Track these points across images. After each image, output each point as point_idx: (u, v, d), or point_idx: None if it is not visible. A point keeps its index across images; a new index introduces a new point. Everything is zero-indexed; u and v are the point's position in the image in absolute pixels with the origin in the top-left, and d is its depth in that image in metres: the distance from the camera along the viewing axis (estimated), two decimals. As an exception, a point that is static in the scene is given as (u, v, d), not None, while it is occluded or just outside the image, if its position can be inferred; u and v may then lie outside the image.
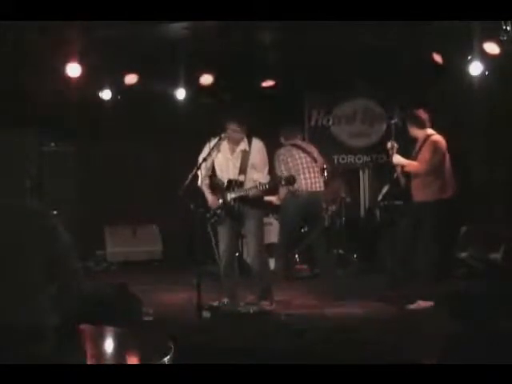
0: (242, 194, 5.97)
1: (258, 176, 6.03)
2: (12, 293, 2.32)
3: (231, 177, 6.06)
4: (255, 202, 6.02)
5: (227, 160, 6.11)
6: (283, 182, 5.86)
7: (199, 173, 6.10)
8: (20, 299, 2.33)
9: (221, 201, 6.04)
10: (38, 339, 2.26)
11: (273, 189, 6.30)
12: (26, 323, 2.30)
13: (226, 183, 6.07)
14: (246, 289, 6.33)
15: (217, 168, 6.18)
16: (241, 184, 6.02)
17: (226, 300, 6.04)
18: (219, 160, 6.14)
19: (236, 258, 6.45)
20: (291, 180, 5.84)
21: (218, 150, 6.11)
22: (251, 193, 5.92)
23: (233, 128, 6.01)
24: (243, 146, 6.08)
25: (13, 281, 2.33)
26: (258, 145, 6.14)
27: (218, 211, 6.04)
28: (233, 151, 6.09)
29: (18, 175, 2.54)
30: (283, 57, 8.11)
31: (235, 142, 6.07)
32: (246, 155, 6.06)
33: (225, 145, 6.10)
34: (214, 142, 6.11)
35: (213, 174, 6.20)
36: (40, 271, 2.37)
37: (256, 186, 5.90)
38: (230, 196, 6.01)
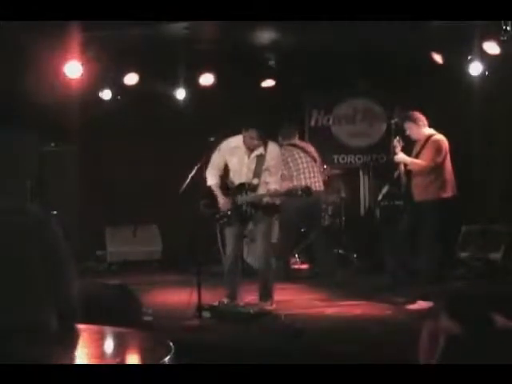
0: (255, 199, 5.98)
1: (271, 179, 6.03)
2: (9, 293, 2.31)
3: (245, 180, 6.06)
4: (267, 207, 6.03)
5: (242, 164, 6.10)
6: (299, 193, 5.84)
7: (210, 172, 6.12)
8: (17, 300, 2.32)
9: (232, 203, 6.04)
10: (36, 339, 2.26)
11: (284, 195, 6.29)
12: (24, 323, 2.30)
13: (238, 186, 6.08)
14: (247, 289, 6.34)
15: (231, 170, 6.19)
16: (254, 188, 6.02)
17: (225, 300, 6.05)
18: (234, 163, 6.14)
19: (239, 258, 6.46)
20: (308, 191, 5.83)
21: (233, 153, 6.12)
22: (264, 199, 5.93)
23: (250, 135, 6.01)
24: (259, 150, 6.08)
25: (10, 281, 2.33)
26: (273, 149, 6.14)
27: (229, 213, 6.03)
28: (249, 156, 6.09)
29: (18, 175, 2.54)
30: (283, 57, 8.12)
31: (251, 148, 6.07)
32: (261, 159, 6.06)
33: (241, 148, 6.09)
34: (229, 142, 6.15)
35: (225, 175, 6.21)
36: (37, 272, 2.37)
37: (269, 193, 5.91)
38: (242, 199, 6.01)
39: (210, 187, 6.15)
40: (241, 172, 6.10)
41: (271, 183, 6.01)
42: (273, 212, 6.18)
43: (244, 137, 6.06)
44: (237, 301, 6.12)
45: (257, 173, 6.04)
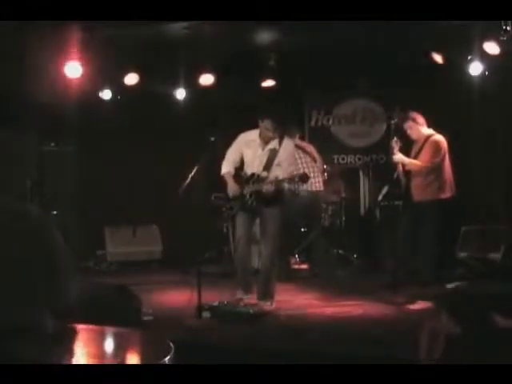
0: (258, 188, 6.03)
1: (280, 174, 6.06)
2: (6, 293, 2.31)
3: (255, 172, 6.13)
4: (271, 200, 6.06)
5: (255, 156, 6.19)
6: (297, 179, 5.90)
7: (225, 163, 6.23)
8: (15, 300, 2.32)
9: (239, 193, 6.11)
10: (34, 340, 2.26)
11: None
12: (21, 324, 2.30)
13: (247, 177, 6.16)
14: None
15: (245, 162, 6.27)
16: (262, 180, 6.08)
17: (240, 294, 6.11)
18: (248, 155, 6.24)
19: (250, 251, 6.48)
20: (304, 178, 5.89)
21: (249, 146, 6.21)
22: (265, 188, 5.96)
23: (266, 126, 6.09)
24: (273, 144, 6.16)
25: (8, 282, 2.33)
26: (287, 145, 6.23)
27: (233, 203, 6.11)
28: (263, 148, 6.18)
29: (18, 175, 2.54)
30: (283, 57, 8.11)
31: (266, 140, 6.16)
32: (273, 153, 6.13)
33: (256, 141, 6.19)
34: (246, 135, 6.26)
35: (240, 167, 6.28)
36: (36, 273, 2.37)
37: (271, 182, 5.95)
38: (247, 190, 6.07)
39: (223, 177, 6.25)
40: (253, 164, 6.19)
41: (279, 177, 6.04)
42: (278, 206, 6.18)
43: (260, 128, 6.16)
44: (251, 294, 6.16)
45: (267, 166, 6.11)
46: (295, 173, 6.13)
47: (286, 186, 6.10)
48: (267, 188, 5.98)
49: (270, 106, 6.98)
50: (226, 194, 6.27)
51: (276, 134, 6.14)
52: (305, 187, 7.55)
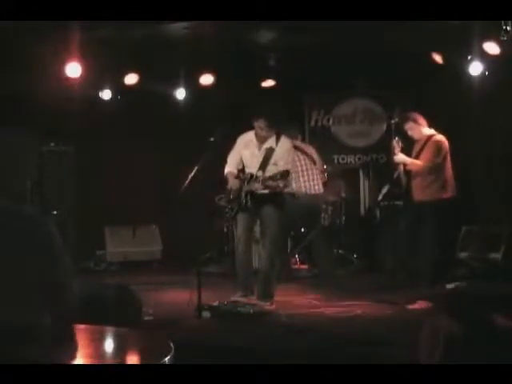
0: (251, 188, 6.05)
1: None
2: (6, 294, 2.31)
3: (251, 172, 6.14)
4: (266, 199, 6.07)
5: (253, 156, 6.20)
6: (278, 177, 5.90)
7: (227, 165, 6.26)
8: (14, 300, 2.32)
9: (237, 194, 6.13)
10: (34, 340, 2.26)
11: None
12: (21, 324, 2.30)
13: (243, 177, 6.18)
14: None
15: (244, 163, 6.29)
16: (257, 179, 6.08)
17: (239, 295, 6.10)
18: (246, 155, 6.25)
19: (251, 251, 6.48)
20: (285, 174, 5.89)
21: (247, 146, 6.22)
22: (255, 187, 5.97)
23: (259, 125, 6.09)
24: (270, 143, 6.16)
25: (7, 282, 2.33)
26: (284, 143, 6.21)
27: (232, 204, 6.16)
28: (259, 148, 6.18)
29: (18, 175, 2.54)
30: (283, 57, 8.12)
31: (262, 139, 6.16)
32: (270, 152, 6.13)
33: (253, 141, 6.21)
34: (244, 136, 6.27)
35: (242, 169, 6.31)
36: (33, 273, 2.37)
37: (259, 181, 5.95)
38: (243, 190, 6.09)
39: (225, 178, 6.27)
40: (251, 164, 6.20)
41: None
42: (274, 204, 6.17)
43: (255, 128, 6.17)
44: (250, 294, 6.15)
45: (263, 165, 6.10)
46: (278, 171, 6.10)
47: (270, 184, 6.06)
48: (256, 187, 5.99)
49: (262, 105, 6.97)
50: (228, 195, 6.28)
51: (270, 133, 6.12)
52: (304, 190, 7.55)
